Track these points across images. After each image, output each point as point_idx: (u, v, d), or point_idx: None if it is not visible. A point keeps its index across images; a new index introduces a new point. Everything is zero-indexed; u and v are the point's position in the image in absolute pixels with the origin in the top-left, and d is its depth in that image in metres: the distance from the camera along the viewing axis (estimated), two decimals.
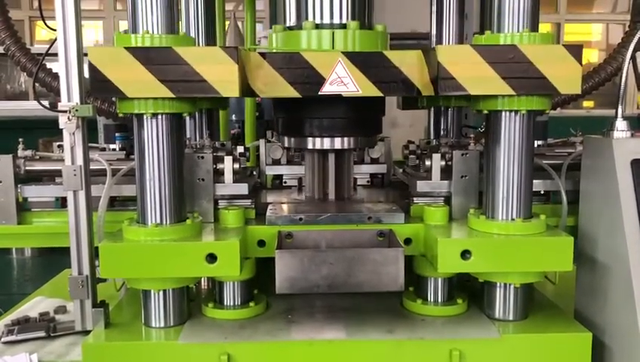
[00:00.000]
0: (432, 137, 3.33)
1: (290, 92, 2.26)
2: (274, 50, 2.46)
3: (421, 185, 2.59)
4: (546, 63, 2.15)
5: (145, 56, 2.11)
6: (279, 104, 2.68)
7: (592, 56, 11.66)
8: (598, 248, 2.39)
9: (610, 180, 2.28)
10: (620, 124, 2.35)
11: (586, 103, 11.11)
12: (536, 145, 2.75)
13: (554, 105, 3.11)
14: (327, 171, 2.72)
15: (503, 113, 2.27)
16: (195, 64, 2.12)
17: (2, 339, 2.70)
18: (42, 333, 2.72)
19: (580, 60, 2.15)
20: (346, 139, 2.58)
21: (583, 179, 2.50)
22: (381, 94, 2.29)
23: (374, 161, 3.11)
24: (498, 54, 2.16)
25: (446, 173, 2.57)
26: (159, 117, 2.22)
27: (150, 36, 2.15)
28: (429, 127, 3.40)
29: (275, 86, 2.26)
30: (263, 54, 2.29)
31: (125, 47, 2.11)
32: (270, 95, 2.34)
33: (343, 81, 2.24)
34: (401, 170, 2.99)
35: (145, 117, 2.21)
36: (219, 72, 2.13)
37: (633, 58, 2.51)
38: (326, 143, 2.59)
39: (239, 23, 6.38)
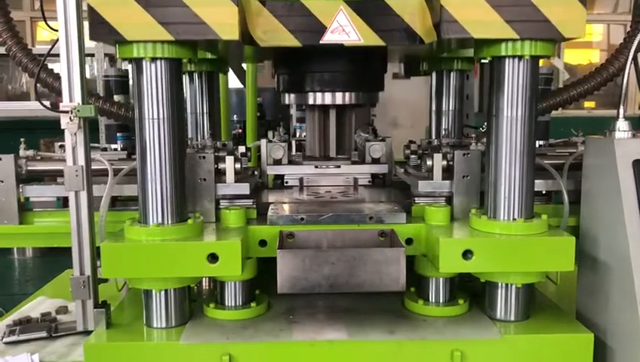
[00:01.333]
0: (433, 137, 3.33)
1: (291, 40, 2.22)
2: None
3: (422, 185, 2.59)
4: (550, 6, 2.12)
5: None
6: (280, 60, 2.63)
7: (594, 57, 11.65)
8: (599, 248, 2.39)
9: (612, 180, 2.27)
10: (622, 125, 2.35)
11: (587, 104, 11.10)
12: (537, 146, 2.75)
13: (555, 105, 3.12)
14: (328, 129, 2.69)
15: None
16: (195, 6, 2.10)
17: (4, 339, 2.70)
18: (44, 333, 2.72)
19: (584, 3, 2.12)
20: (347, 94, 2.56)
21: (585, 179, 2.50)
22: (383, 43, 2.25)
23: (375, 161, 3.11)
24: None
25: (447, 173, 2.57)
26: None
27: None
28: (430, 126, 3.40)
29: (275, 34, 2.23)
30: (262, 1, 2.25)
31: None
32: (270, 43, 2.28)
33: (345, 29, 2.21)
34: (402, 170, 2.98)
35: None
36: (218, 14, 2.10)
37: (635, 58, 2.51)
38: (327, 98, 2.56)
39: None
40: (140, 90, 2.23)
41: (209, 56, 2.97)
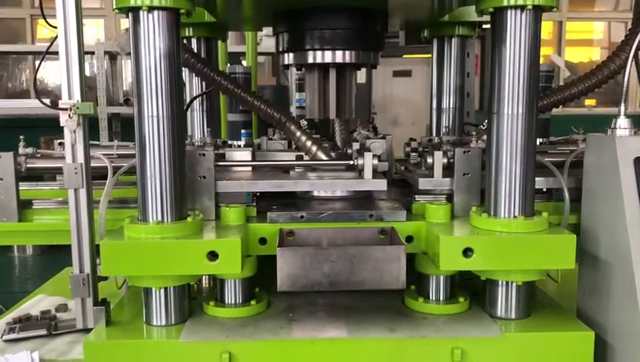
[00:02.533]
0: (433, 135, 3.32)
1: None
2: None
3: (423, 183, 2.58)
4: None
5: None
6: (280, 19, 2.59)
7: (595, 54, 11.65)
8: (600, 246, 2.38)
9: (613, 178, 2.27)
10: (623, 122, 2.34)
11: (588, 102, 11.11)
12: (538, 143, 2.74)
13: (556, 103, 3.11)
14: (327, 89, 2.65)
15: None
16: None
17: (4, 337, 2.70)
18: (44, 331, 2.73)
19: None
20: (347, 52, 2.51)
21: (586, 176, 2.50)
22: None
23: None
24: None
25: (448, 170, 2.56)
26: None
27: None
28: (431, 124, 3.39)
29: None
30: None
31: None
32: None
33: None
34: (402, 168, 2.98)
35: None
36: None
37: (636, 56, 2.50)
38: (327, 56, 2.53)
39: None
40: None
41: (207, 19, 2.91)
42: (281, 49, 2.62)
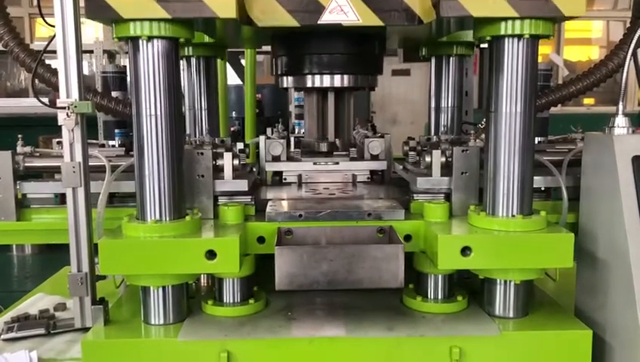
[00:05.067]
0: (432, 134, 3.32)
1: (289, 20, 2.21)
2: None
3: (421, 182, 2.58)
4: None
5: None
6: (279, 42, 2.62)
7: (593, 53, 11.65)
8: (598, 245, 2.38)
9: (611, 177, 2.27)
10: (621, 121, 2.34)
11: (587, 100, 11.11)
12: (536, 142, 2.74)
13: (554, 102, 3.11)
14: (326, 112, 2.67)
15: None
16: None
17: (2, 336, 2.70)
18: (42, 330, 2.72)
19: None
20: (345, 76, 2.53)
21: (584, 175, 2.50)
22: (382, 23, 2.23)
23: (374, 158, 3.10)
24: None
25: (446, 169, 2.56)
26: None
27: None
28: (429, 123, 3.39)
29: (273, 14, 2.22)
30: None
31: None
32: (268, 24, 2.26)
33: (343, 9, 2.19)
34: (401, 167, 2.98)
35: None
36: None
37: (634, 55, 2.50)
38: (325, 81, 2.54)
39: None
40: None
41: (207, 39, 2.94)
42: (279, 72, 2.64)
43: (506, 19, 2.17)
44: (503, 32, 2.20)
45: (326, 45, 2.45)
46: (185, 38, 2.24)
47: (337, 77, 2.51)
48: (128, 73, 2.24)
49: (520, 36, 2.19)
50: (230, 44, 3.38)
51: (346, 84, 2.52)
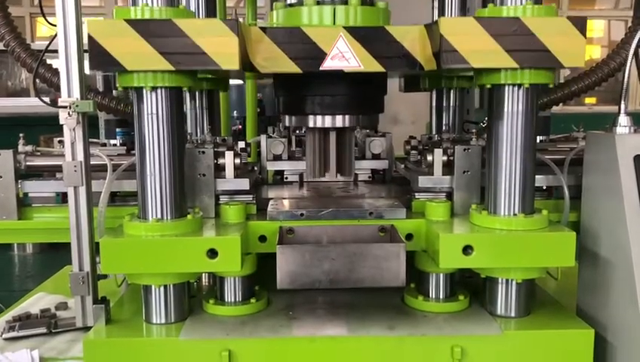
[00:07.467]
0: (434, 133, 3.32)
1: (291, 67, 2.23)
2: (275, 26, 2.42)
3: (423, 181, 2.58)
4: (549, 36, 2.12)
5: (144, 28, 2.08)
6: (280, 82, 2.64)
7: (595, 53, 11.63)
8: (600, 244, 2.38)
9: (613, 176, 2.27)
10: (623, 120, 2.34)
11: (588, 100, 11.09)
12: (538, 141, 2.74)
13: (556, 101, 3.11)
14: (328, 150, 2.68)
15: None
16: (195, 36, 2.09)
17: (3, 336, 2.70)
18: (43, 330, 2.73)
19: (584, 33, 2.12)
20: (347, 116, 2.53)
21: (586, 174, 2.50)
22: (383, 69, 2.26)
23: (376, 157, 3.10)
24: (501, 27, 2.12)
25: (448, 168, 2.56)
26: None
27: (150, 8, 2.13)
28: (431, 122, 3.39)
29: (275, 61, 2.23)
30: (263, 29, 2.26)
31: (125, 20, 2.10)
32: (271, 70, 2.29)
33: (345, 56, 2.21)
34: (402, 166, 2.98)
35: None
36: (219, 45, 2.09)
37: (636, 54, 2.50)
38: (327, 121, 2.56)
39: (240, 19, 6.37)
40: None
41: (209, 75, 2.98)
42: (281, 111, 2.66)
43: (506, 69, 2.19)
44: (502, 81, 2.23)
45: (327, 87, 2.48)
46: (188, 87, 2.26)
47: (339, 117, 2.54)
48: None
49: (520, 85, 2.22)
50: (232, 77, 3.46)
51: (347, 124, 2.56)
